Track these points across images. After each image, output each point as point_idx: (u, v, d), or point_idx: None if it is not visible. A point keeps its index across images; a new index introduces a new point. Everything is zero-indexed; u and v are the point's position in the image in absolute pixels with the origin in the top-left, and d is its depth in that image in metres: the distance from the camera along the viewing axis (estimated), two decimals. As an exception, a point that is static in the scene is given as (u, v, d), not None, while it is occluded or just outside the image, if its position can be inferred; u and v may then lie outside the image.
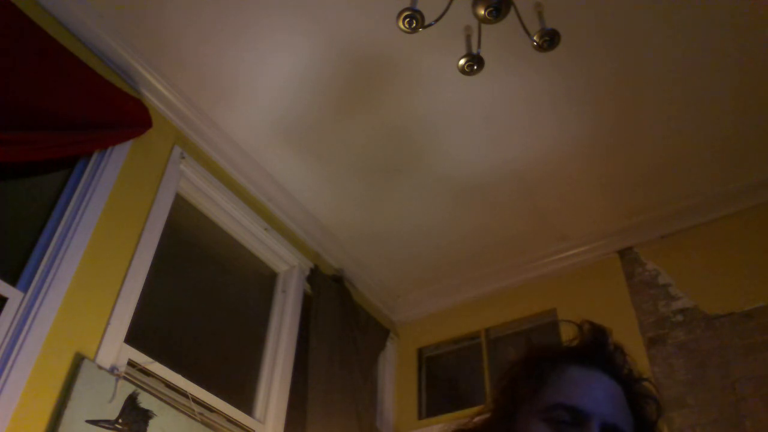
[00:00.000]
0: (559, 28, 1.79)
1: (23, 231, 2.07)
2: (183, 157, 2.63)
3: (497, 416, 0.82)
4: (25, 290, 1.89)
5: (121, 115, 2.32)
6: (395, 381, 3.51)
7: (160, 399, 2.12)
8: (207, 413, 2.34)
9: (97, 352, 1.99)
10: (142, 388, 2.07)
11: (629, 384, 0.83)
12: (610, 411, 0.76)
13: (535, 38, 1.79)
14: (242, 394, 2.64)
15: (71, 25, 2.29)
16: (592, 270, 3.19)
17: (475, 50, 1.91)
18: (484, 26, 1.89)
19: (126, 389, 1.99)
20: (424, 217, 3.19)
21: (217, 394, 2.40)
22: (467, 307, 3.52)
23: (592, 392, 0.77)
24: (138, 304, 2.21)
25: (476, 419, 0.85)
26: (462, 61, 1.89)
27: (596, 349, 0.83)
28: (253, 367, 2.77)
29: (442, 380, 3.55)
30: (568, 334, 0.87)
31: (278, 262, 3.12)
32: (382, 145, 2.84)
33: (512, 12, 1.77)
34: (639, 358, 0.88)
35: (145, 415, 2.01)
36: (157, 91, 2.57)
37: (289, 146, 2.88)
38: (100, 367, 1.95)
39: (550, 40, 1.79)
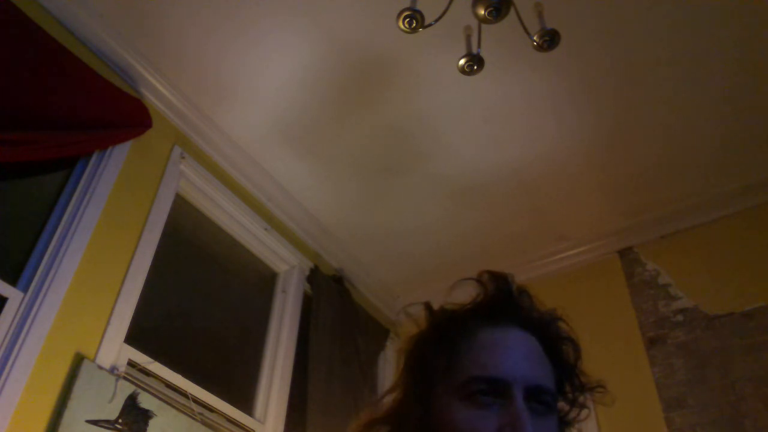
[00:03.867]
0: (559, 28, 1.79)
1: (23, 231, 2.07)
2: (183, 157, 2.63)
3: (410, 398, 0.76)
4: (25, 290, 1.89)
5: (121, 115, 2.32)
6: (395, 381, 3.51)
7: (160, 399, 2.12)
8: (207, 413, 2.33)
9: (97, 352, 1.99)
10: (142, 388, 2.06)
11: (543, 329, 0.78)
12: (531, 372, 0.71)
13: (535, 38, 1.79)
14: (242, 394, 2.64)
15: (71, 25, 2.29)
16: (592, 270, 3.19)
17: (475, 50, 1.91)
18: (484, 26, 1.89)
19: (126, 389, 1.99)
20: (424, 217, 3.19)
21: (217, 394, 2.40)
22: (467, 307, 3.51)
23: (508, 355, 0.72)
24: (138, 304, 2.21)
25: (386, 400, 0.79)
26: (462, 61, 1.89)
27: (503, 301, 0.78)
28: (253, 367, 2.77)
29: (442, 380, 3.54)
30: (470, 294, 0.80)
31: (278, 262, 3.12)
32: (382, 145, 2.84)
33: (512, 12, 1.77)
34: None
35: (145, 415, 2.01)
36: (157, 91, 2.57)
37: (289, 146, 2.87)
38: (100, 367, 1.94)
39: (550, 40, 1.79)
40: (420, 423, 0.73)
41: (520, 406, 0.67)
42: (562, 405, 0.77)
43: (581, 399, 0.78)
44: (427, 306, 0.83)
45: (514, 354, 0.72)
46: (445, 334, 0.77)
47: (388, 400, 0.79)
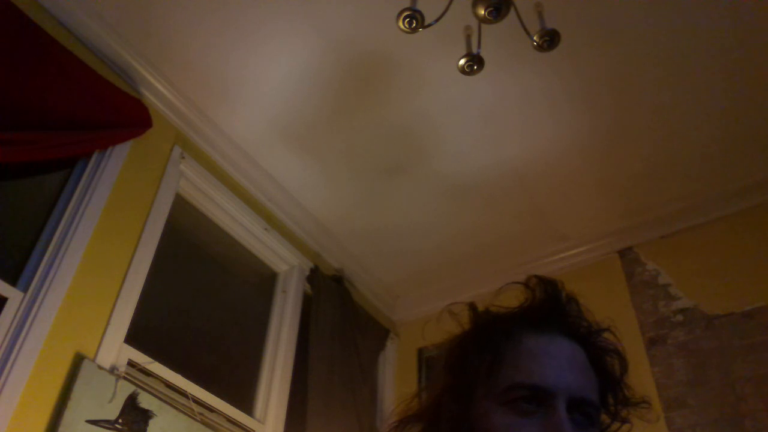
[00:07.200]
0: (559, 28, 1.79)
1: (23, 231, 2.07)
2: (183, 157, 2.63)
3: (449, 398, 0.74)
4: (25, 290, 1.89)
5: (121, 115, 2.32)
6: (395, 381, 3.51)
7: (160, 399, 2.12)
8: (207, 413, 2.33)
9: (97, 352, 1.99)
10: (142, 388, 2.06)
11: (589, 339, 0.77)
12: (575, 382, 0.69)
13: (535, 38, 1.79)
14: (242, 394, 2.64)
15: (71, 25, 2.29)
16: (592, 270, 3.18)
17: (475, 50, 1.91)
18: (484, 26, 1.89)
19: (126, 389, 1.99)
20: (424, 216, 3.19)
21: (217, 394, 2.39)
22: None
23: (553, 364, 0.70)
24: (138, 304, 2.21)
25: (422, 397, 0.78)
26: (462, 61, 1.89)
27: (550, 308, 0.77)
28: (253, 367, 2.77)
29: (442, 380, 3.54)
30: (518, 297, 0.79)
31: (278, 262, 3.12)
32: (381, 145, 2.84)
33: (512, 12, 1.77)
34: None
35: (145, 415, 2.01)
36: (157, 91, 2.57)
37: (289, 146, 2.87)
38: (100, 367, 1.94)
39: (550, 40, 1.79)
40: (456, 423, 0.72)
41: (562, 416, 0.66)
42: (603, 417, 0.76)
43: (624, 413, 0.78)
44: (472, 307, 0.82)
45: (559, 363, 0.71)
46: (490, 337, 0.75)
47: (424, 397, 0.78)
